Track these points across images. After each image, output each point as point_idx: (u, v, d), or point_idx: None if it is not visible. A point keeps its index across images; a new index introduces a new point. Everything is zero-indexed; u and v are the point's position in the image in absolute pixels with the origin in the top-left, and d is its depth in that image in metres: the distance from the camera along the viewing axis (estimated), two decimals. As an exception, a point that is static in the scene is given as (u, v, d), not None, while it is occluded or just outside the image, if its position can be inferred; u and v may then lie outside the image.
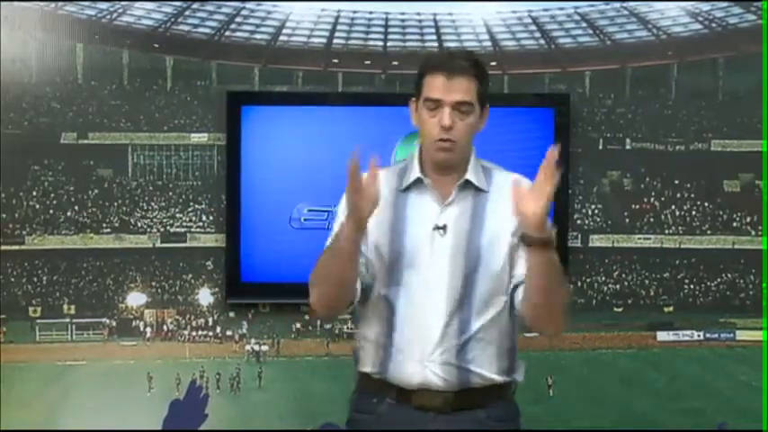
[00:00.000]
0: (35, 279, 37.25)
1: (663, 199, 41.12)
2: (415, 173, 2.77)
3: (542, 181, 2.53)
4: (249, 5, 41.94)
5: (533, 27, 43.48)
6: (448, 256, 2.74)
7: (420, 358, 2.72)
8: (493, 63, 42.85)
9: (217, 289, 36.20)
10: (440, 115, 2.69)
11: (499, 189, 2.77)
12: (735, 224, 39.89)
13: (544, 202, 2.53)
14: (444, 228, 2.72)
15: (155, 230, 39.60)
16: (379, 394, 2.78)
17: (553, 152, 2.51)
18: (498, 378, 2.77)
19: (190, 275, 38.54)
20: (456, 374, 2.73)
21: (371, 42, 42.96)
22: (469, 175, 2.77)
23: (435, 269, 2.74)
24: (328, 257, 2.68)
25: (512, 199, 2.58)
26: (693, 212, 40.63)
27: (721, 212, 40.43)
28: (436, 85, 2.69)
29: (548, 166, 2.53)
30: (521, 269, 2.73)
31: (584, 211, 40.13)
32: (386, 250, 2.74)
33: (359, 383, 2.85)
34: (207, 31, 42.51)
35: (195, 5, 41.46)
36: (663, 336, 35.51)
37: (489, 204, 2.76)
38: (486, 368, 2.75)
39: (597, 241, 39.63)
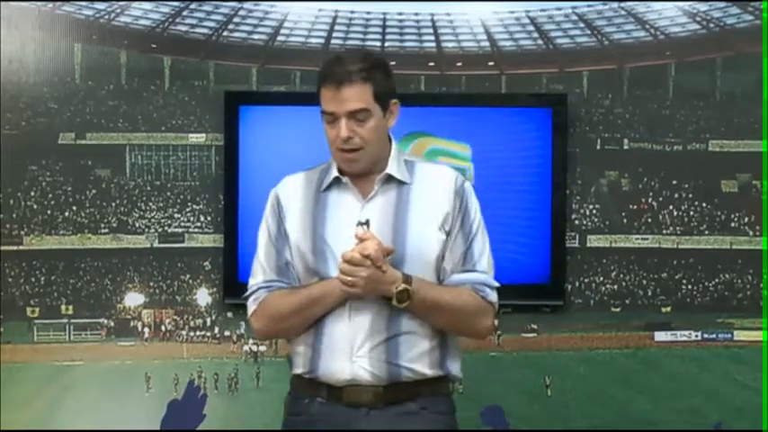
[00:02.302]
0: (33, 279, 37.18)
1: (661, 199, 41.12)
2: (334, 173, 2.75)
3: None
4: (247, 6, 41.93)
5: (531, 27, 43.54)
6: None
7: (348, 354, 2.69)
8: (490, 63, 42.94)
9: (215, 289, 36.17)
10: (338, 127, 2.68)
11: (422, 180, 2.74)
12: (732, 224, 39.89)
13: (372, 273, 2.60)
14: (367, 223, 2.67)
15: (152, 231, 39.61)
16: (310, 394, 2.76)
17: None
18: (429, 372, 2.73)
19: (188, 276, 38.55)
20: (385, 369, 2.69)
21: (369, 42, 42.99)
22: (390, 169, 2.73)
23: None
24: (310, 307, 2.70)
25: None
26: (691, 213, 40.64)
27: (719, 213, 40.44)
28: (328, 97, 2.68)
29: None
30: (449, 264, 2.73)
31: (581, 211, 40.14)
32: (308, 251, 2.72)
33: (292, 386, 2.84)
34: (204, 31, 42.51)
35: (193, 6, 41.45)
36: (660, 336, 35.52)
37: (413, 195, 2.72)
38: (415, 362, 2.70)
39: (595, 241, 39.70)
